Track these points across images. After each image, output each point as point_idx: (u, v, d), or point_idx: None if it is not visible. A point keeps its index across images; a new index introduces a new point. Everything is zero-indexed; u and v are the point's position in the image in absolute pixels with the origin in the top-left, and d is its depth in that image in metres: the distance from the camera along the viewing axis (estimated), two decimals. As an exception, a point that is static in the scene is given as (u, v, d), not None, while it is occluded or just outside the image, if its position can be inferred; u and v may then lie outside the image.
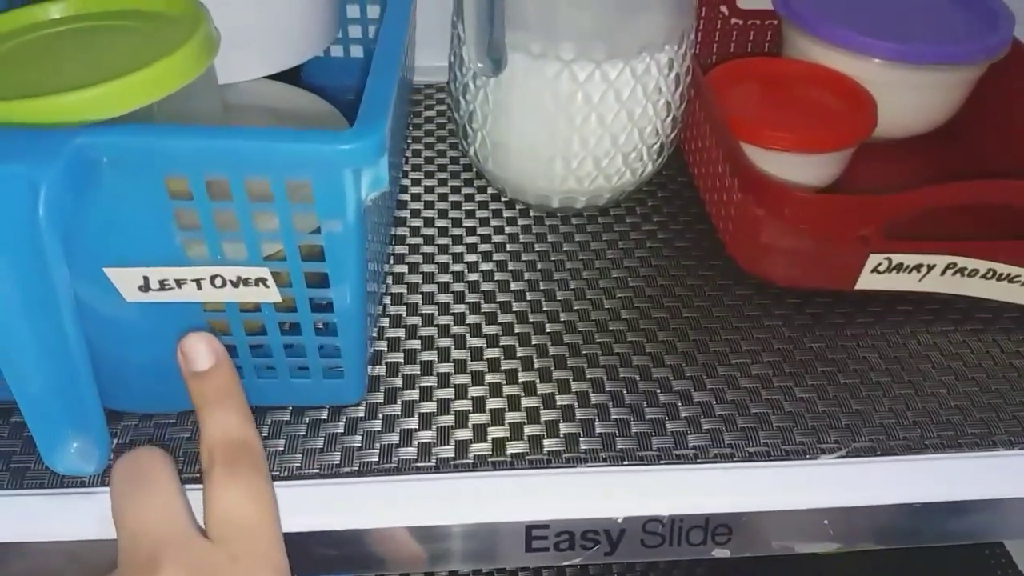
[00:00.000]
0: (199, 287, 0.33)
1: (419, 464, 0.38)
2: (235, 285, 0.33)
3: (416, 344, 0.43)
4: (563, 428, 0.39)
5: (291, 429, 0.39)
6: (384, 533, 0.36)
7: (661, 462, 0.38)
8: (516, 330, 0.44)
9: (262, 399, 0.39)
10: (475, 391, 0.41)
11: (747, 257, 0.47)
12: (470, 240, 0.50)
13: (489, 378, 0.42)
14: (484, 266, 0.48)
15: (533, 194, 0.51)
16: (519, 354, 0.43)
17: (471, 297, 0.46)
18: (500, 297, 0.46)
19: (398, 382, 0.41)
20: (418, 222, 0.52)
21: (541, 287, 0.47)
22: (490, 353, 0.43)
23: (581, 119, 0.46)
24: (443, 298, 0.46)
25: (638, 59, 0.45)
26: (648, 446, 0.38)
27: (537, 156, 0.48)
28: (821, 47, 0.55)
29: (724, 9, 0.62)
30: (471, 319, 0.45)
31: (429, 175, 0.56)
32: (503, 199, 0.54)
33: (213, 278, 0.32)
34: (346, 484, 0.37)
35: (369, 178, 0.31)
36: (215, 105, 0.39)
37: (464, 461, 0.38)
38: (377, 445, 0.38)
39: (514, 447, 0.38)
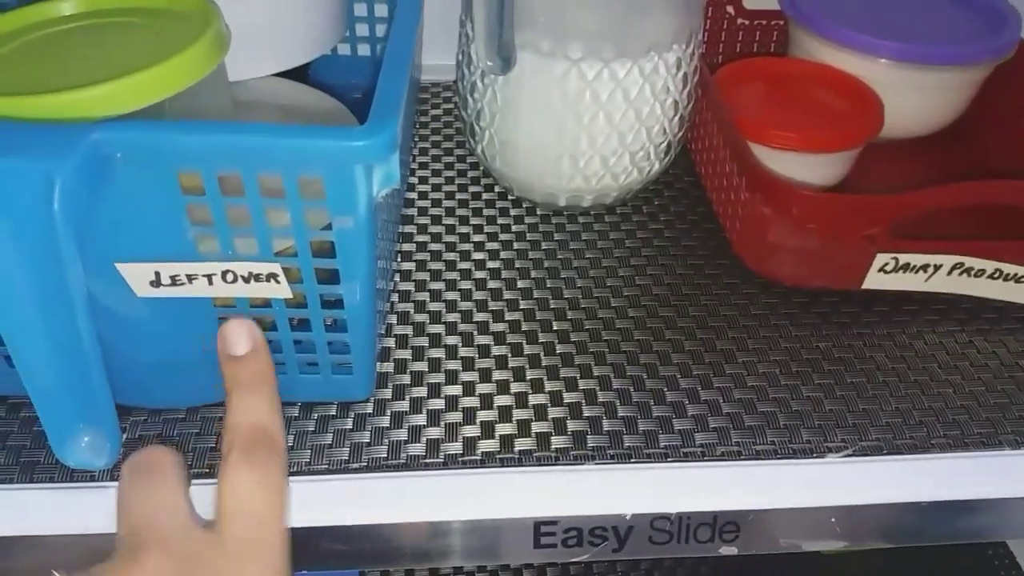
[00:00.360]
0: (210, 282, 0.33)
1: (427, 460, 0.38)
2: (246, 281, 0.33)
3: (424, 341, 0.44)
4: (571, 425, 0.39)
5: (300, 425, 0.39)
6: (393, 528, 0.36)
7: (669, 459, 0.38)
8: (523, 327, 0.45)
9: (271, 395, 0.39)
10: (483, 388, 0.41)
11: (754, 256, 0.47)
12: (477, 238, 0.51)
13: (497, 375, 0.42)
14: (491, 264, 0.49)
15: (540, 192, 0.51)
16: (526, 351, 0.43)
17: (478, 295, 0.46)
18: (507, 295, 0.47)
19: (406, 379, 0.42)
20: (425, 219, 0.52)
21: (548, 285, 0.47)
22: (497, 350, 0.43)
23: (589, 118, 0.46)
24: (450, 295, 0.46)
25: (646, 58, 0.45)
26: (656, 444, 0.39)
27: (545, 154, 0.48)
28: (828, 47, 0.55)
29: (731, 9, 0.63)
30: (479, 316, 0.45)
31: (436, 173, 0.56)
32: (510, 197, 0.54)
33: (224, 273, 0.33)
34: (355, 480, 0.37)
35: (380, 175, 0.31)
36: (226, 102, 0.39)
37: (472, 457, 0.38)
38: (386, 441, 0.39)
39: (522, 444, 0.39)
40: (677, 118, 0.49)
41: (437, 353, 0.43)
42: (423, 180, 0.55)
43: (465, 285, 0.47)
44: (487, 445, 0.39)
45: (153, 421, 0.39)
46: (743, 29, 0.64)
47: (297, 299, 0.35)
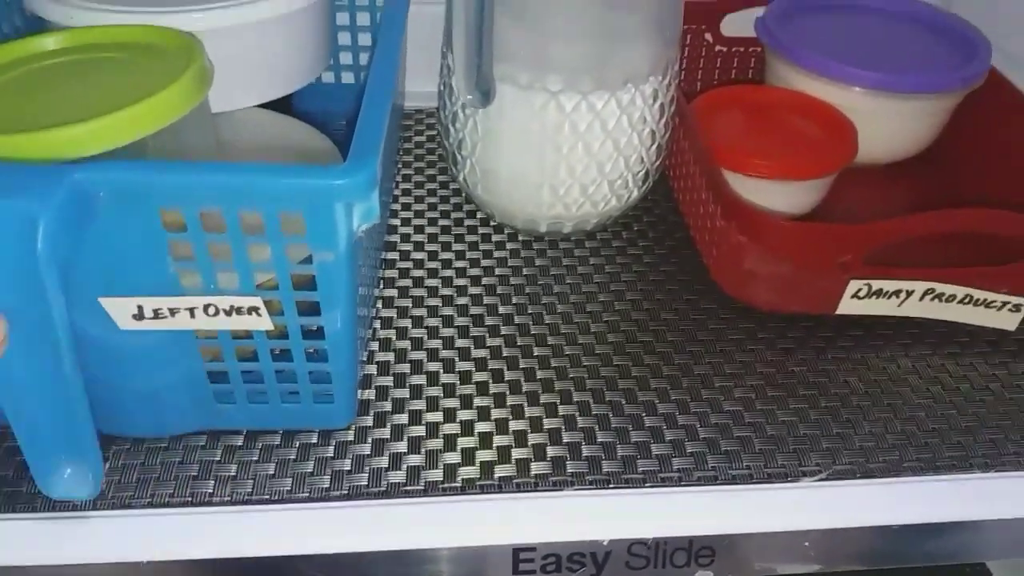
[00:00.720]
0: (192, 315, 0.33)
1: (408, 488, 0.38)
2: (228, 314, 0.34)
3: (406, 368, 0.44)
4: (550, 451, 0.40)
5: (282, 453, 0.39)
6: (373, 557, 0.36)
7: (646, 485, 0.39)
8: (504, 353, 0.45)
9: (253, 423, 0.40)
10: (464, 415, 0.42)
11: (731, 282, 0.48)
12: (459, 264, 0.51)
13: (478, 402, 0.42)
14: (473, 290, 0.49)
15: (522, 219, 0.52)
16: (507, 377, 0.44)
17: (460, 320, 0.47)
18: (489, 320, 0.47)
19: (388, 406, 0.42)
20: (408, 246, 0.52)
21: (529, 311, 0.48)
22: (479, 376, 0.44)
23: (568, 148, 0.47)
24: (432, 322, 0.47)
25: (623, 90, 0.46)
26: (634, 469, 0.39)
27: (526, 183, 0.49)
28: (803, 75, 0.56)
29: (708, 36, 0.64)
30: (460, 343, 0.46)
31: (419, 199, 0.57)
32: (492, 223, 0.54)
33: (207, 307, 0.33)
34: (336, 508, 0.37)
35: (361, 211, 0.32)
36: (208, 136, 0.40)
37: (452, 485, 0.38)
38: (367, 469, 0.39)
39: (502, 470, 0.39)
40: (655, 147, 0.49)
41: (419, 380, 0.44)
42: (406, 206, 0.56)
43: (447, 311, 0.48)
44: (467, 472, 0.39)
45: (136, 450, 0.39)
46: (720, 56, 0.65)
47: (278, 329, 0.35)
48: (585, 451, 0.40)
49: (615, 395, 0.43)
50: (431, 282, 0.50)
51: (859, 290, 0.44)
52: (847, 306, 0.45)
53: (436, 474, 0.39)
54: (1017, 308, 0.45)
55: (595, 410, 0.42)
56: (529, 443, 0.40)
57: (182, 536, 0.36)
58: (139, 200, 0.30)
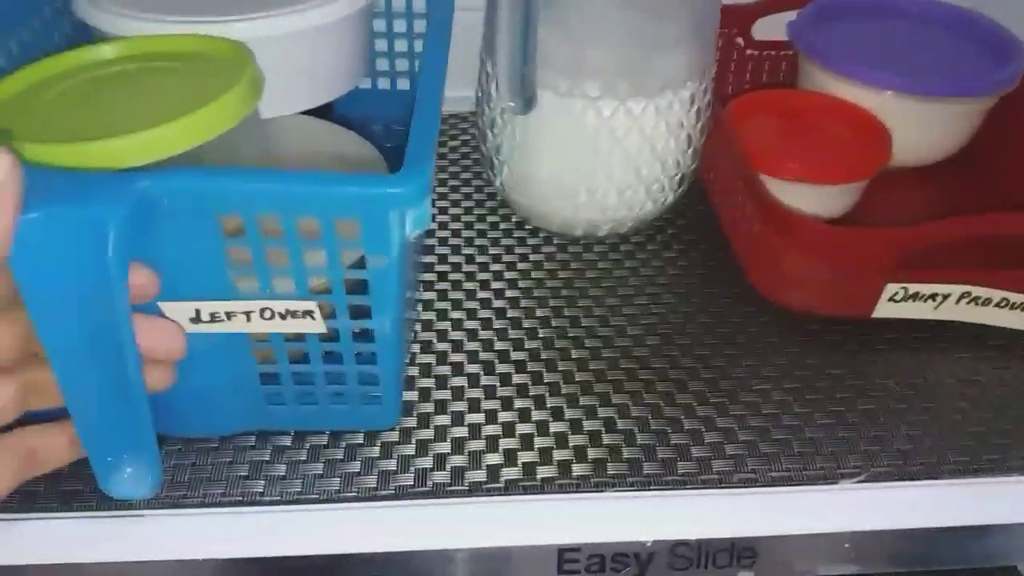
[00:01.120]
0: (248, 319, 0.34)
1: (453, 488, 0.39)
2: (283, 317, 0.34)
3: (446, 370, 0.45)
4: (591, 453, 0.41)
5: (329, 453, 0.40)
6: (420, 556, 0.37)
7: (687, 487, 0.39)
8: (543, 356, 0.46)
9: (301, 424, 0.41)
10: (504, 416, 0.42)
11: (767, 285, 0.48)
12: (496, 267, 0.52)
13: (518, 403, 0.43)
14: (510, 293, 0.50)
15: (558, 223, 0.52)
16: (546, 379, 0.44)
17: (498, 323, 0.48)
18: (526, 323, 0.48)
19: (430, 407, 0.43)
20: (445, 250, 0.53)
21: (566, 314, 0.49)
22: (518, 379, 0.44)
23: (606, 153, 0.47)
24: (471, 324, 0.48)
25: (661, 96, 0.46)
26: (674, 471, 0.40)
27: (562, 188, 0.49)
28: (836, 79, 0.56)
29: (740, 40, 0.64)
30: (499, 345, 0.46)
31: (455, 203, 0.57)
32: (527, 227, 0.55)
33: (262, 311, 0.34)
34: (384, 507, 0.38)
35: (413, 217, 0.32)
36: (258, 142, 0.40)
37: (496, 485, 0.39)
38: (412, 469, 0.40)
39: (544, 471, 0.40)
40: (691, 151, 0.50)
41: (459, 381, 0.44)
42: (442, 210, 0.57)
43: (485, 314, 0.48)
44: (510, 473, 0.40)
45: (187, 450, 0.40)
46: (752, 60, 0.65)
47: (328, 332, 0.36)
48: (625, 453, 0.41)
49: (653, 397, 0.43)
50: (469, 285, 0.50)
51: (895, 293, 0.45)
52: (883, 309, 0.45)
53: (479, 475, 0.40)
54: (1054, 312, 0.45)
55: (634, 412, 0.43)
56: (570, 444, 0.41)
57: (234, 535, 0.37)
58: (200, 206, 0.31)
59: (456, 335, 0.47)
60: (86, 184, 0.29)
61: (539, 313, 0.49)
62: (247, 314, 0.34)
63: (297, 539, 0.37)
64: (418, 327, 0.47)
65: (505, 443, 0.41)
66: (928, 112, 0.56)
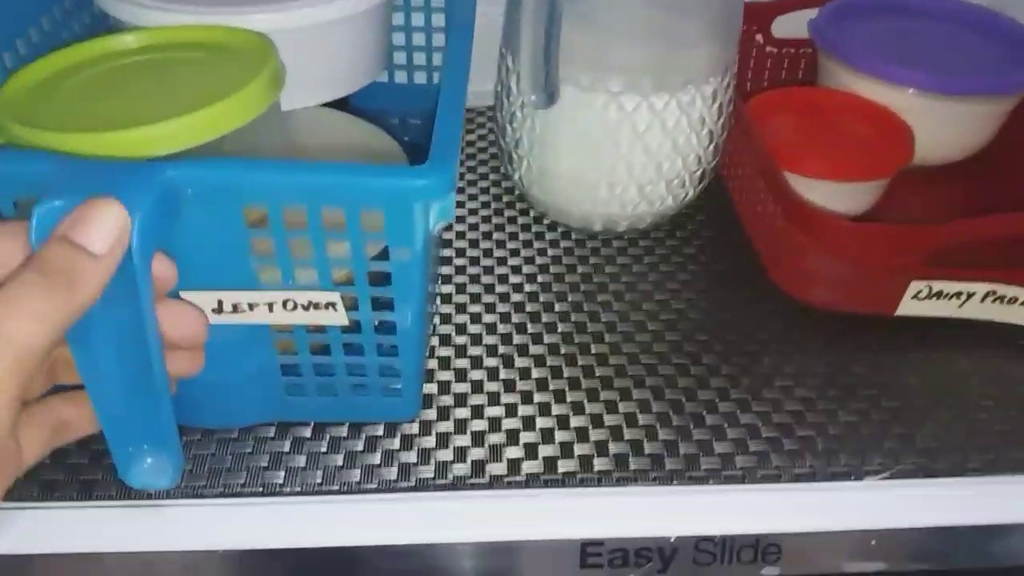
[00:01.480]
0: (271, 310, 0.34)
1: (473, 481, 0.39)
2: (305, 309, 0.34)
3: (466, 363, 0.45)
4: (612, 448, 0.40)
5: (349, 445, 0.40)
6: (442, 549, 0.37)
7: (710, 482, 0.39)
8: (562, 350, 0.46)
9: (321, 415, 0.41)
10: (524, 410, 0.42)
11: (790, 282, 0.48)
12: (514, 261, 0.52)
13: (538, 397, 0.43)
14: (529, 287, 0.50)
15: (577, 218, 0.52)
16: (566, 374, 0.44)
17: (517, 318, 0.48)
18: (545, 318, 0.48)
19: (449, 400, 0.43)
20: (464, 243, 0.53)
21: (585, 308, 0.48)
22: (538, 372, 0.44)
23: (627, 148, 0.47)
24: (490, 318, 0.48)
25: (684, 91, 0.46)
26: (697, 467, 0.39)
27: (582, 182, 0.49)
28: (857, 77, 0.56)
29: (760, 38, 0.64)
30: (518, 339, 0.46)
31: (472, 198, 0.57)
32: (545, 222, 0.55)
33: (285, 302, 0.34)
34: (404, 499, 0.38)
35: (437, 210, 0.32)
36: (279, 133, 0.40)
37: (517, 479, 0.39)
38: (432, 461, 0.40)
39: (565, 466, 0.40)
40: (712, 147, 0.50)
41: (479, 375, 0.44)
42: (460, 204, 0.56)
43: (503, 308, 0.48)
44: (531, 466, 0.39)
45: (207, 441, 0.40)
46: (772, 57, 0.65)
47: (349, 324, 0.36)
48: (647, 448, 0.40)
49: (675, 393, 0.43)
50: (487, 279, 0.50)
51: (920, 291, 0.44)
52: (907, 307, 0.45)
53: (500, 468, 0.39)
54: (1080, 310, 0.44)
55: (656, 408, 0.42)
56: (591, 439, 0.41)
57: (254, 526, 0.37)
58: (225, 197, 0.31)
59: (475, 329, 0.47)
60: (111, 173, 0.29)
61: (558, 308, 0.48)
62: (269, 305, 0.34)
63: (317, 530, 0.37)
64: (437, 320, 0.47)
65: (525, 437, 0.41)
66: (950, 110, 0.55)
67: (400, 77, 0.63)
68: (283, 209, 0.32)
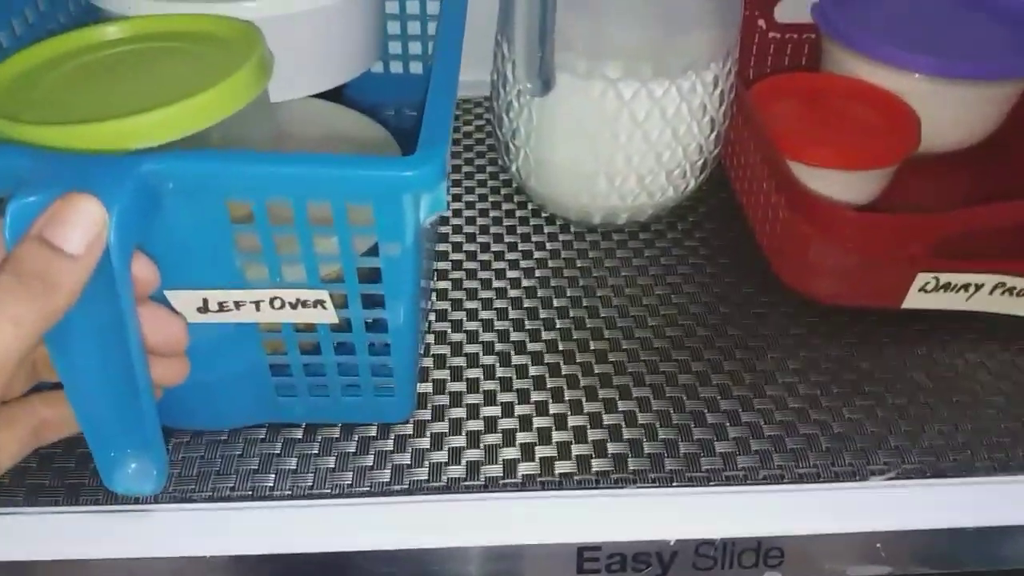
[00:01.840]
0: (258, 309, 0.33)
1: (468, 483, 0.38)
2: (293, 307, 0.33)
3: (461, 361, 0.44)
4: (610, 448, 0.39)
5: (341, 446, 0.39)
6: (436, 554, 0.36)
7: (711, 483, 0.38)
8: (560, 347, 0.44)
9: (313, 416, 0.40)
10: (521, 409, 0.41)
11: (793, 275, 0.46)
12: (512, 256, 0.51)
13: (535, 396, 0.42)
14: (526, 282, 0.49)
15: (575, 210, 0.51)
16: (564, 371, 0.43)
17: (514, 314, 0.46)
18: (543, 314, 0.46)
19: (444, 399, 0.42)
20: (460, 238, 0.52)
21: (584, 304, 0.47)
22: (534, 371, 0.43)
23: (626, 137, 0.46)
24: (486, 314, 0.46)
25: (684, 77, 0.45)
26: (697, 467, 0.38)
27: (581, 173, 0.48)
28: (861, 61, 0.55)
29: (762, 23, 0.62)
30: (515, 336, 0.45)
31: (469, 190, 0.56)
32: (543, 214, 0.54)
33: (272, 300, 0.33)
34: (397, 503, 0.37)
35: (428, 202, 0.31)
36: (268, 125, 0.39)
37: (513, 481, 0.38)
38: (426, 463, 0.39)
39: (562, 467, 0.38)
40: (714, 136, 0.48)
41: (475, 373, 0.43)
42: (456, 197, 0.55)
43: (501, 303, 0.47)
44: (527, 468, 0.38)
45: (196, 443, 0.39)
46: (774, 43, 0.63)
47: (340, 323, 0.35)
48: (647, 448, 0.39)
49: (675, 391, 0.42)
50: (484, 274, 0.49)
51: (926, 283, 0.43)
52: (914, 300, 0.44)
53: (495, 469, 0.38)
54: (1092, 303, 0.43)
55: (655, 406, 0.41)
56: (589, 439, 0.40)
57: (244, 530, 0.36)
58: (207, 191, 0.30)
59: (471, 325, 0.46)
60: (86, 167, 0.27)
61: (556, 303, 0.47)
62: (256, 303, 0.33)
63: (308, 535, 0.36)
64: (432, 317, 0.46)
65: (522, 437, 0.40)
66: (958, 95, 0.54)
67: (395, 67, 0.62)
68: (270, 203, 0.31)
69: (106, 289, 0.28)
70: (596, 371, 0.43)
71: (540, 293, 0.48)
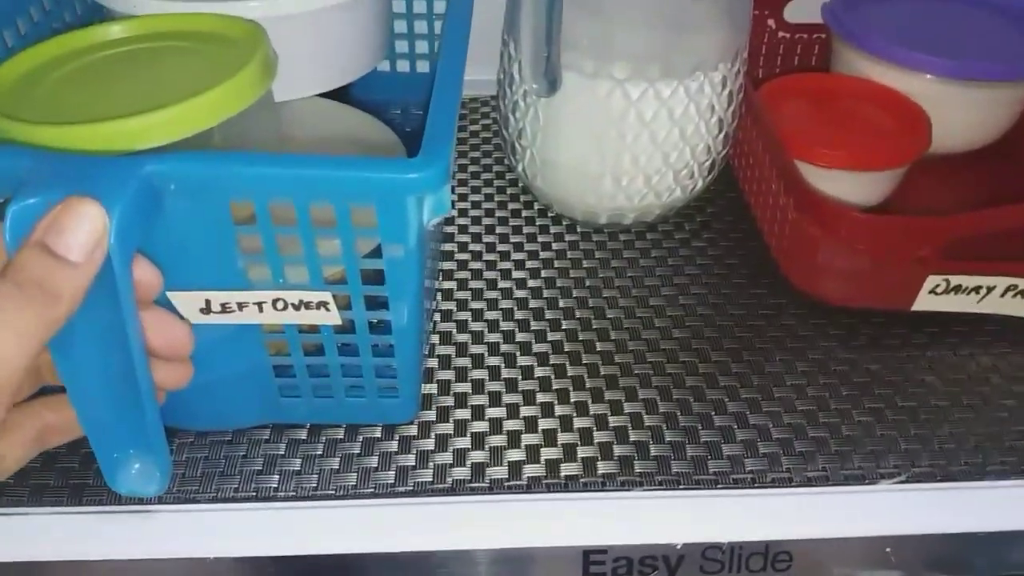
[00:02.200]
0: (260, 310, 0.33)
1: (473, 485, 0.38)
2: (296, 308, 0.33)
3: (467, 362, 0.43)
4: (617, 450, 0.39)
5: (346, 447, 0.39)
6: (441, 556, 0.36)
7: (718, 486, 0.37)
8: (566, 348, 0.44)
9: (317, 417, 0.40)
10: (527, 411, 0.41)
11: (802, 276, 0.46)
12: (517, 256, 0.50)
13: (540, 397, 0.41)
14: (532, 283, 0.48)
15: (581, 210, 0.51)
16: (570, 372, 0.43)
17: (520, 315, 0.46)
18: (549, 315, 0.46)
19: (449, 400, 0.41)
20: (465, 238, 0.52)
21: (590, 304, 0.47)
22: (540, 372, 0.43)
23: (633, 137, 0.45)
24: (492, 315, 0.46)
25: (691, 78, 0.44)
26: (704, 470, 0.38)
27: (587, 173, 0.48)
28: (872, 62, 0.54)
29: (771, 23, 0.62)
30: (520, 336, 0.45)
31: (475, 190, 0.56)
32: (550, 214, 0.53)
33: (275, 301, 0.33)
34: (403, 504, 0.37)
35: (432, 203, 0.31)
36: (272, 125, 0.39)
37: (518, 483, 0.38)
38: (431, 465, 0.38)
39: (568, 469, 0.38)
40: (722, 136, 0.48)
41: (480, 374, 0.43)
42: (462, 197, 0.55)
43: (506, 304, 0.47)
44: (533, 470, 0.38)
45: (200, 443, 0.39)
46: (784, 43, 0.63)
47: (343, 324, 0.35)
48: (653, 450, 0.39)
49: (682, 393, 0.42)
50: (489, 275, 0.49)
51: (937, 285, 0.43)
52: (924, 302, 0.43)
53: (501, 471, 0.38)
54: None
55: (662, 408, 0.41)
56: (595, 441, 0.39)
57: (247, 532, 0.36)
58: (210, 192, 0.29)
59: (476, 326, 0.45)
60: (88, 168, 0.27)
61: (562, 304, 0.47)
62: (259, 305, 0.33)
63: (312, 537, 0.36)
64: (437, 317, 0.46)
65: (527, 439, 0.40)
66: (969, 96, 0.53)
67: (402, 65, 0.61)
68: (273, 205, 0.30)
69: (107, 292, 0.28)
70: (602, 372, 0.43)
71: (546, 294, 0.48)
